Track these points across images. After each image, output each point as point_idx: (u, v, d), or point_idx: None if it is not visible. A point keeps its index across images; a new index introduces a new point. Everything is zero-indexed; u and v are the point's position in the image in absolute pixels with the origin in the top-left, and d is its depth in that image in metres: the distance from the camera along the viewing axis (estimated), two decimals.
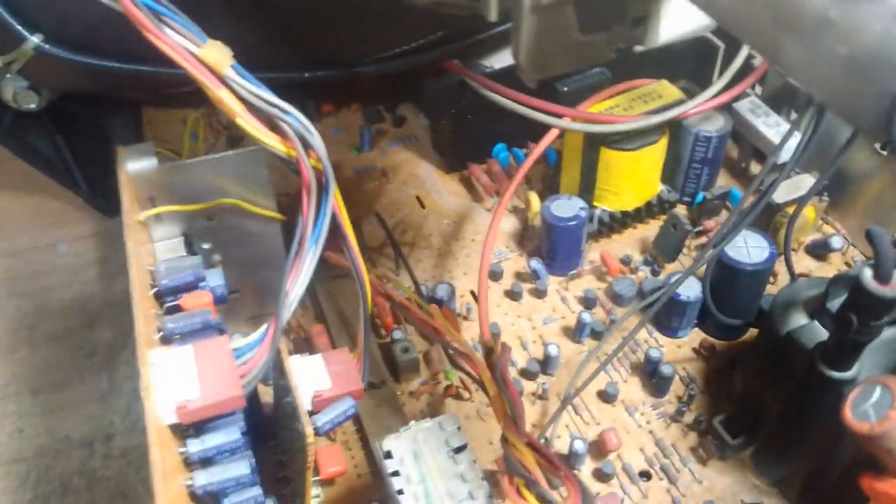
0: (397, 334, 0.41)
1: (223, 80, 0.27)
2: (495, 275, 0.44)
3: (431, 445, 0.29)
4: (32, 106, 0.59)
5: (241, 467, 0.27)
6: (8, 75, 0.54)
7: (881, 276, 0.25)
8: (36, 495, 0.46)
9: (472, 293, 0.44)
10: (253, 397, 0.37)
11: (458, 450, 0.29)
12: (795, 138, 0.44)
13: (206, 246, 0.38)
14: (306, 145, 0.29)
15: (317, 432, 0.30)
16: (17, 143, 0.61)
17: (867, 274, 0.25)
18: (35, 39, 0.47)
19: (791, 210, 0.43)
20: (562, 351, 0.40)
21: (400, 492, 0.28)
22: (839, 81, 0.15)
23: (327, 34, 0.45)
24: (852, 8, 0.14)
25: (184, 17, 0.28)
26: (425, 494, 0.28)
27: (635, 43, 0.25)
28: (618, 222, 0.46)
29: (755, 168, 0.49)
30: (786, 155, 0.45)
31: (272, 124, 0.28)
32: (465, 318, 0.43)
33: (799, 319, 0.31)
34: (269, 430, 0.36)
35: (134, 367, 0.28)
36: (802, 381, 0.30)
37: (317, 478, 0.35)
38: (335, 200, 0.29)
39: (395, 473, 0.28)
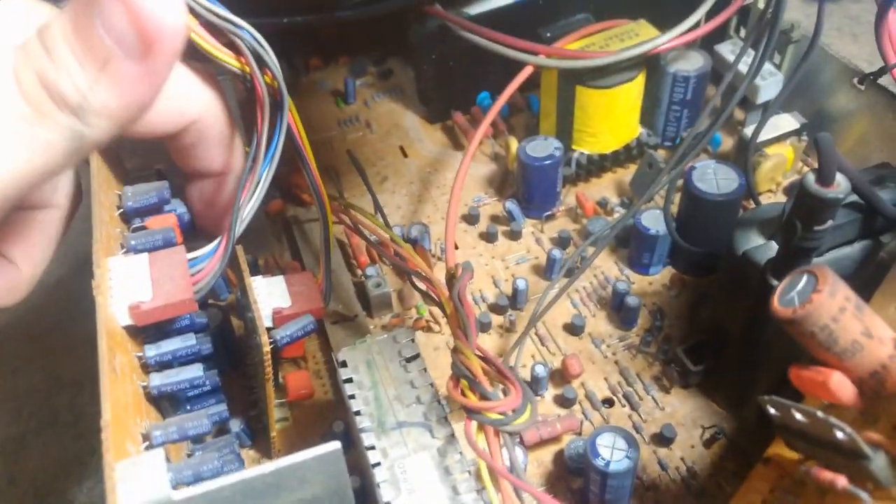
0: (370, 271, 0.41)
1: None
2: (472, 219, 0.45)
3: (385, 356, 0.30)
4: None
5: (194, 370, 0.27)
6: None
7: (824, 179, 0.25)
8: (29, 428, 0.47)
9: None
10: (226, 327, 0.38)
11: (410, 359, 0.29)
12: (771, 76, 0.44)
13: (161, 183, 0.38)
14: (260, 62, 0.29)
15: (275, 345, 0.31)
16: None
17: (810, 178, 0.25)
18: None
19: (771, 150, 0.43)
20: (531, 287, 0.40)
21: (352, 396, 0.28)
22: None
23: None
24: None
25: None
26: (375, 399, 0.28)
27: None
28: (596, 165, 0.46)
29: (739, 114, 0.48)
30: (765, 94, 0.45)
31: (227, 40, 0.29)
32: (439, 258, 0.43)
33: (757, 240, 0.31)
34: (240, 358, 0.37)
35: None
36: (757, 298, 0.30)
37: (284, 400, 0.36)
38: (291, 117, 0.30)
39: (349, 381, 0.29)
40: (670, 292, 0.40)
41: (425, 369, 0.29)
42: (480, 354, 0.28)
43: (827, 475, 0.20)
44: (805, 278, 0.22)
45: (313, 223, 0.45)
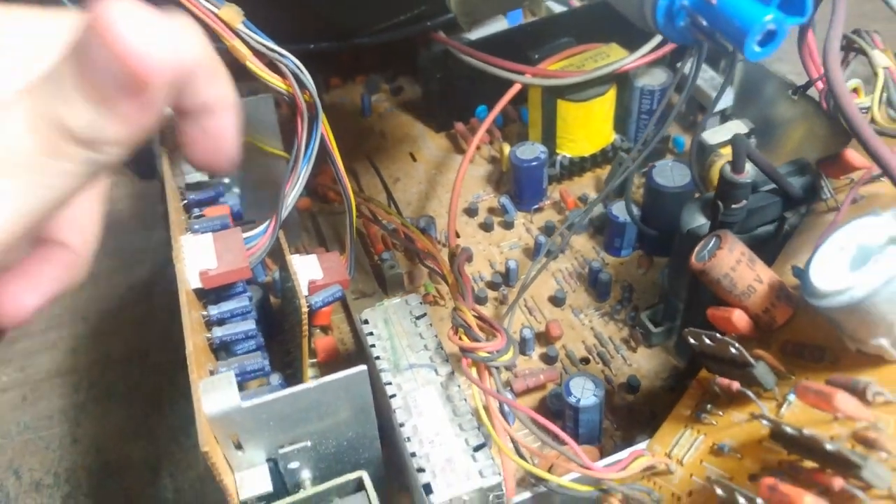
0: (385, 255, 0.49)
1: (236, 33, 0.36)
2: (472, 212, 0.52)
3: (399, 315, 0.37)
4: None
5: (248, 323, 0.35)
6: None
7: (736, 169, 0.33)
8: (87, 398, 0.55)
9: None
10: (265, 303, 0.45)
11: (420, 317, 0.37)
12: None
13: (226, 181, 0.46)
14: (300, 83, 0.37)
15: (311, 308, 0.38)
16: None
17: (727, 167, 0.33)
18: None
19: (724, 151, 0.50)
20: (521, 267, 0.47)
21: (372, 346, 0.36)
22: None
23: (331, 10, 0.53)
24: None
25: None
26: (391, 347, 0.35)
27: None
28: (576, 167, 0.53)
29: (700, 119, 0.56)
30: (719, 104, 0.52)
31: (274, 67, 0.37)
32: (443, 245, 0.51)
33: (699, 220, 0.38)
34: (278, 328, 0.44)
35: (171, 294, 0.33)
36: None
37: (315, 361, 0.44)
38: (323, 126, 0.38)
39: (370, 334, 0.36)
40: (639, 270, 0.47)
41: (431, 324, 0.36)
42: (475, 313, 0.36)
43: (725, 381, 0.27)
44: (713, 240, 0.29)
45: (335, 216, 0.53)
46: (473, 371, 0.33)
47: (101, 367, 0.57)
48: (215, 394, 0.29)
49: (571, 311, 0.46)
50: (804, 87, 0.44)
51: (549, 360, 0.43)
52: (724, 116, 0.53)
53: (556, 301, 0.46)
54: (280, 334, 0.45)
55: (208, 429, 0.28)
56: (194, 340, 0.32)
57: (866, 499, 0.20)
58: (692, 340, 0.29)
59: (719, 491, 0.23)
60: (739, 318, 0.29)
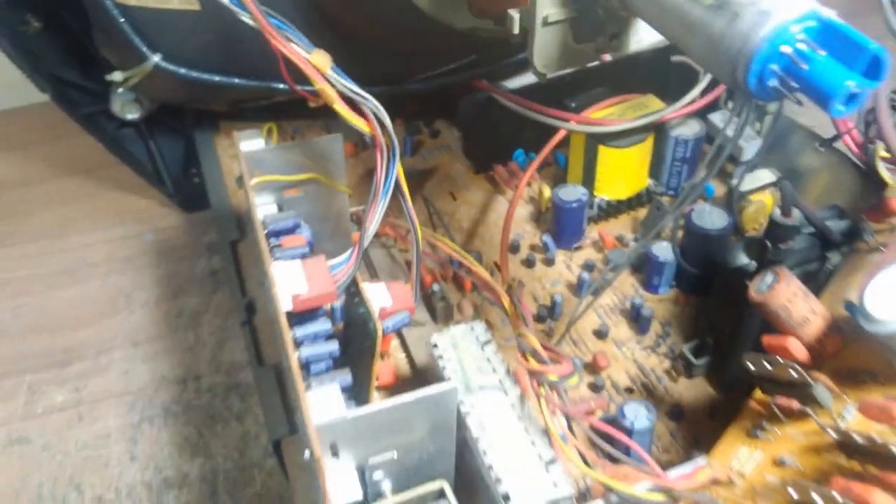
0: (436, 287, 0.52)
1: (326, 77, 0.39)
2: (515, 248, 0.56)
3: (466, 340, 0.40)
4: (135, 116, 0.71)
5: (332, 344, 0.38)
6: (119, 89, 0.67)
7: (784, 212, 0.36)
8: (143, 418, 0.57)
9: (495, 263, 0.55)
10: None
11: (486, 343, 0.40)
12: (750, 138, 0.56)
13: (291, 212, 0.49)
14: (381, 124, 0.40)
15: (384, 331, 0.41)
16: (118, 148, 0.73)
17: (776, 211, 0.36)
18: (155, 58, 0.58)
19: (754, 198, 0.54)
20: (564, 302, 0.50)
21: (443, 367, 0.39)
22: (711, 59, 0.26)
23: (385, 58, 0.57)
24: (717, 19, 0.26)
25: (297, 31, 0.40)
26: (462, 369, 0.38)
27: (613, 51, 0.37)
28: (613, 209, 0.57)
29: (730, 167, 0.60)
30: (748, 153, 0.56)
31: (358, 109, 0.40)
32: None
33: (742, 259, 0.42)
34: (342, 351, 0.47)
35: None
36: (742, 305, 0.40)
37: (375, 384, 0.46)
38: (398, 164, 0.41)
39: (440, 357, 0.39)
40: (676, 307, 0.51)
41: (497, 350, 0.39)
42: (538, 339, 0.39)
43: (784, 400, 0.30)
44: (770, 275, 0.33)
45: (384, 249, 0.56)
46: (543, 390, 0.35)
47: (155, 388, 0.59)
48: (324, 405, 0.31)
49: (614, 343, 0.49)
50: (832, 140, 0.48)
51: (595, 388, 0.46)
52: (752, 165, 0.57)
53: (600, 334, 0.49)
54: (345, 357, 0.47)
55: (317, 437, 0.30)
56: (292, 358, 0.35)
57: None
58: (751, 366, 0.32)
59: (792, 492, 0.26)
60: (795, 346, 0.32)
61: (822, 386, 0.30)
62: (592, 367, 0.47)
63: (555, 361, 0.38)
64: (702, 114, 0.57)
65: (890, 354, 0.28)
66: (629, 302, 0.50)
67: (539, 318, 0.50)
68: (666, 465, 0.42)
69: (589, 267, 0.53)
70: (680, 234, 0.51)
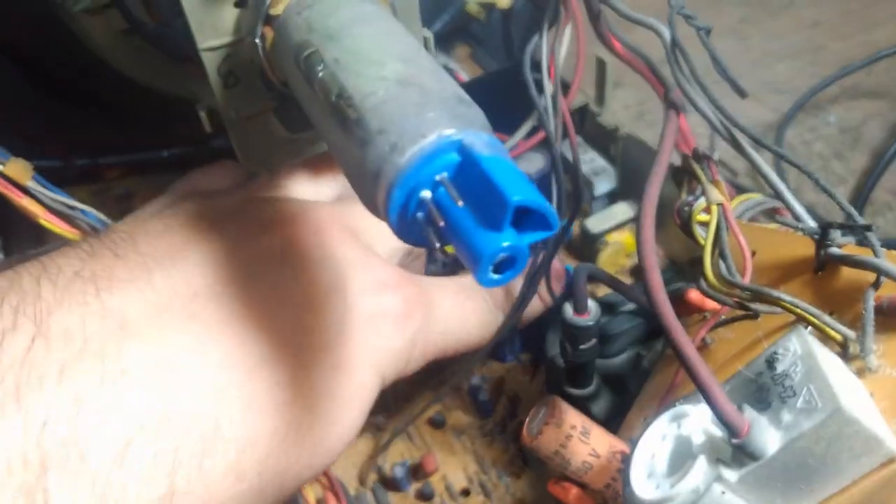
0: None
1: (26, 190, 0.32)
2: None
3: None
4: None
5: None
6: None
7: (578, 309, 0.29)
8: None
9: None
10: None
11: None
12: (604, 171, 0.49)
13: None
14: None
15: None
16: None
17: (568, 309, 0.30)
18: None
19: (609, 238, 0.48)
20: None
21: None
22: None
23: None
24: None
25: None
26: None
27: None
28: None
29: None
30: (601, 187, 0.49)
31: (75, 224, 0.33)
32: None
33: (556, 349, 0.35)
34: None
35: None
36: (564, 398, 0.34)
37: None
38: None
39: None
40: (525, 377, 0.44)
41: None
42: None
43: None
44: (543, 410, 0.26)
45: None
46: None
47: None
48: None
49: (453, 432, 0.42)
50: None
51: (425, 496, 0.39)
52: (612, 197, 0.50)
53: (436, 423, 0.42)
54: None
55: None
56: None
57: None
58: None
59: None
60: (578, 500, 0.25)
61: None
62: (420, 470, 0.40)
63: None
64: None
65: None
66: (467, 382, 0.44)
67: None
68: None
69: None
70: None
